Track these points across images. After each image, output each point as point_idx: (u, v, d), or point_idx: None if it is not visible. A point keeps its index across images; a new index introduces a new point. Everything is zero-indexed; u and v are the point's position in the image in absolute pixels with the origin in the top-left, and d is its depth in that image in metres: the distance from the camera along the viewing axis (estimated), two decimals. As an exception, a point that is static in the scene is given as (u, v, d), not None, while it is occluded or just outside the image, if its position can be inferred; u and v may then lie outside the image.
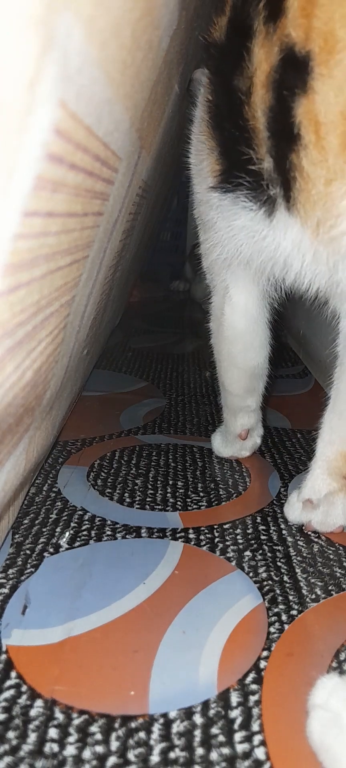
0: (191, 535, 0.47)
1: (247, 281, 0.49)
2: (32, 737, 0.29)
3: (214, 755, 0.29)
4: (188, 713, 0.31)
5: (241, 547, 0.46)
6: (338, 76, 0.31)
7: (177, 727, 0.30)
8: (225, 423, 0.62)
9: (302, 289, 0.41)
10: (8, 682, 0.32)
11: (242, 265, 0.45)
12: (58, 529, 0.47)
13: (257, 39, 0.34)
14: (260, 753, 0.29)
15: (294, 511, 0.49)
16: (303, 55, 0.32)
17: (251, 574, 0.42)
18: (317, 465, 0.48)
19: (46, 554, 0.44)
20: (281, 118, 0.34)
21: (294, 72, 0.33)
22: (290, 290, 0.47)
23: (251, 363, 0.55)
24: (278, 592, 0.41)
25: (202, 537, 0.47)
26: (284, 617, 0.38)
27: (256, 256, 0.41)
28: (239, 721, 0.31)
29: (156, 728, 0.30)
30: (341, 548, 0.46)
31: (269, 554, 0.45)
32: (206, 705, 0.31)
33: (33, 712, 0.30)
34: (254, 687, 0.33)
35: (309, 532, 0.48)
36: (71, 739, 0.29)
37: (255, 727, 0.30)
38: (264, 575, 0.42)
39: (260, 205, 0.37)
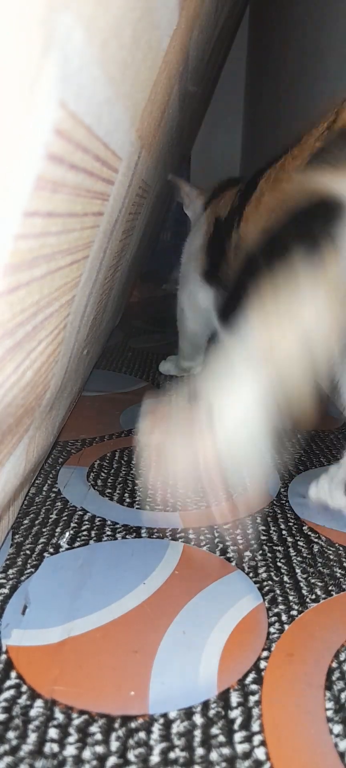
0: (191, 536, 0.47)
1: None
2: (32, 737, 0.29)
3: (214, 755, 0.29)
4: (188, 713, 0.31)
5: (241, 547, 0.46)
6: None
7: (177, 727, 0.30)
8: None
9: None
10: (8, 682, 0.32)
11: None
12: (58, 530, 0.47)
13: (235, 229, 0.65)
14: (260, 753, 0.29)
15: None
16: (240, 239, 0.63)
17: (251, 574, 0.42)
18: None
19: (46, 554, 0.44)
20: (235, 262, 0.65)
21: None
22: None
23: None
24: (278, 592, 0.41)
25: (202, 537, 0.47)
26: (284, 617, 0.38)
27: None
28: (239, 721, 0.31)
29: (156, 728, 0.30)
30: (341, 548, 0.46)
31: (269, 554, 0.45)
32: (206, 705, 0.31)
33: (33, 712, 0.30)
34: (254, 687, 0.33)
35: (309, 532, 0.48)
36: (71, 739, 0.29)
37: (255, 727, 0.30)
38: (264, 575, 0.42)
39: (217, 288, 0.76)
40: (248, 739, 0.30)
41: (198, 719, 0.31)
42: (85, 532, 0.47)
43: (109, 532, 0.47)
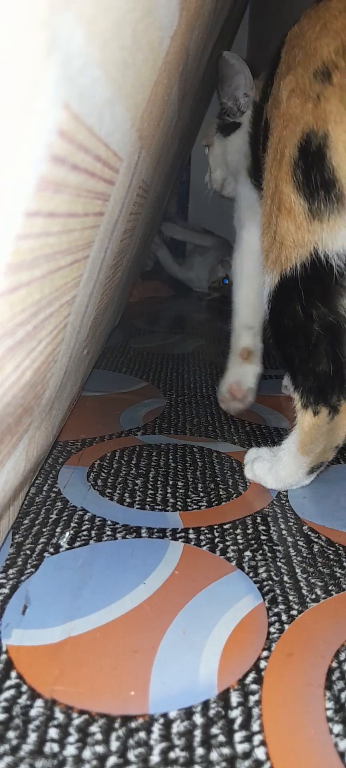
0: (191, 535, 0.47)
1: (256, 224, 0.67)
2: (32, 737, 0.29)
3: (214, 755, 0.29)
4: (188, 713, 0.31)
5: (241, 547, 0.46)
6: None
7: (177, 727, 0.30)
8: (231, 347, 0.77)
9: None
10: (8, 682, 0.32)
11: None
12: (58, 529, 0.47)
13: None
14: (260, 753, 0.29)
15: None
16: None
17: (251, 574, 0.43)
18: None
19: (46, 554, 0.44)
20: None
21: None
22: None
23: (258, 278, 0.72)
24: (278, 592, 0.41)
25: (202, 537, 0.47)
26: (284, 617, 0.38)
27: None
28: (239, 721, 0.31)
29: (156, 728, 0.30)
30: (341, 548, 0.46)
31: (269, 554, 0.45)
32: (206, 705, 0.31)
33: (33, 712, 0.30)
34: (254, 687, 0.33)
35: (309, 532, 0.48)
36: (71, 739, 0.29)
37: (255, 727, 0.30)
38: (264, 575, 0.42)
39: None
40: (248, 739, 0.30)
41: (198, 719, 0.31)
42: (85, 532, 0.47)
43: (109, 532, 0.47)
